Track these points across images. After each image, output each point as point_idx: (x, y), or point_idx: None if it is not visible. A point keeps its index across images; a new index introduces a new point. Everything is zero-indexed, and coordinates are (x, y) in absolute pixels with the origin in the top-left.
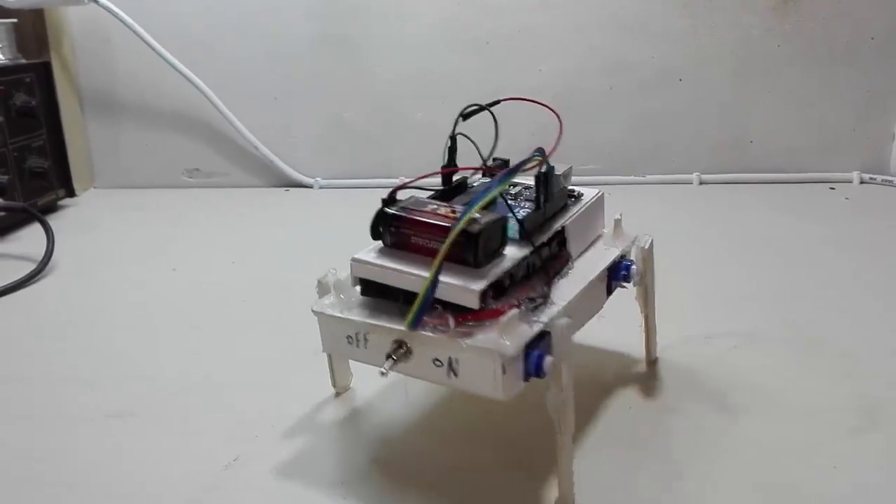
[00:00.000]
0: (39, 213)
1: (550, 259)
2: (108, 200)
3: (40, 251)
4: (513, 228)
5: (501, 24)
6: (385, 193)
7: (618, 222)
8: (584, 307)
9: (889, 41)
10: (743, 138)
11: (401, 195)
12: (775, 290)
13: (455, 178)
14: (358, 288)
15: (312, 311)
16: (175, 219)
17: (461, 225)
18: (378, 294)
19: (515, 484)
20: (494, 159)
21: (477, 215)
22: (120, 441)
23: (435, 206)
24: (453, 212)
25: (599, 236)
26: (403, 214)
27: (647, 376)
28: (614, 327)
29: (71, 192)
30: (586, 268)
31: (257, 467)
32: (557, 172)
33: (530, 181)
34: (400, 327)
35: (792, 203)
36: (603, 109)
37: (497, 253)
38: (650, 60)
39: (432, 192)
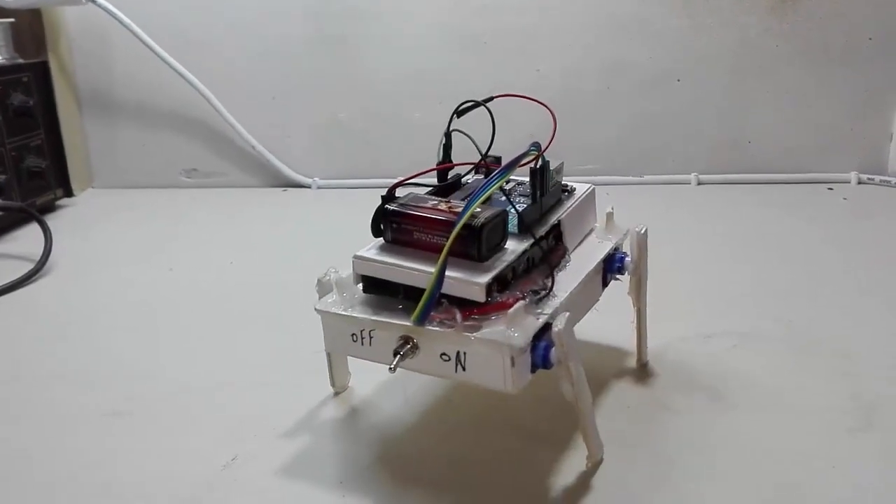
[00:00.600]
0: (37, 212)
1: (549, 252)
2: (105, 200)
3: (38, 251)
4: (511, 222)
5: (499, 25)
6: (383, 193)
7: (609, 216)
8: (584, 299)
9: (887, 41)
10: (741, 139)
11: (399, 192)
12: (773, 289)
13: (450, 175)
14: (360, 286)
15: (316, 309)
16: (173, 219)
17: (465, 219)
18: (380, 291)
19: (522, 476)
20: (487, 156)
21: (477, 210)
22: (117, 441)
23: (435, 202)
24: (453, 207)
25: (592, 230)
26: (405, 210)
27: (644, 374)
28: (611, 322)
29: (69, 192)
30: (583, 260)
31: (256, 467)
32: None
33: (522, 177)
34: (406, 323)
35: (790, 203)
36: (601, 110)
37: (499, 247)
38: (648, 61)
39: (428, 189)
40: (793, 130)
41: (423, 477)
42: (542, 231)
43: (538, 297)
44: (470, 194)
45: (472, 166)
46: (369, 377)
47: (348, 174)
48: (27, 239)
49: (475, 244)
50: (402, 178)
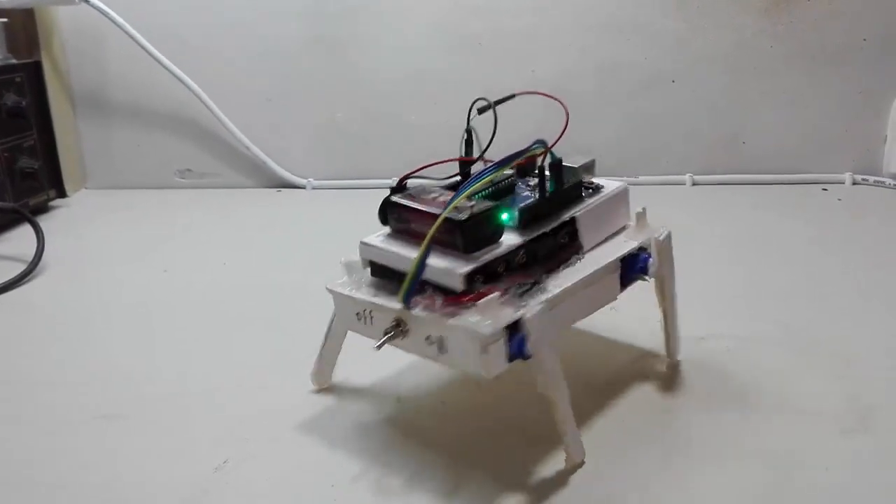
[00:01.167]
0: (30, 213)
1: (557, 249)
2: (99, 201)
3: (31, 252)
4: (513, 216)
5: (494, 26)
6: (379, 194)
7: (640, 215)
8: (588, 297)
9: (881, 43)
10: (736, 139)
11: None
12: (768, 291)
13: (460, 170)
14: (369, 269)
15: (327, 288)
16: (167, 219)
17: (447, 212)
18: (383, 275)
19: (517, 475)
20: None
21: (470, 203)
22: (109, 443)
23: (437, 195)
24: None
25: (623, 228)
26: (402, 202)
27: (639, 375)
28: (621, 322)
29: (62, 193)
30: (595, 259)
31: (248, 470)
32: (575, 165)
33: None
34: (397, 306)
35: (784, 204)
36: (595, 110)
37: (490, 240)
38: (643, 62)
39: (447, 181)
40: (787, 131)
41: (415, 480)
42: (545, 228)
43: (522, 290)
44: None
45: (472, 162)
46: (361, 379)
47: (343, 175)
48: (20, 240)
49: (459, 236)
50: (412, 170)
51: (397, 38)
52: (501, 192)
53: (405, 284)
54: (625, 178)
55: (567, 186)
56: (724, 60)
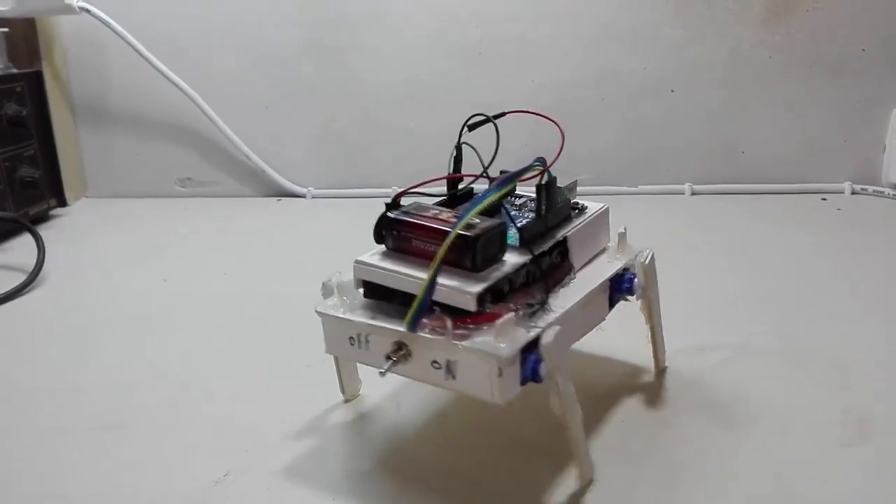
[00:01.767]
0: (30, 223)
1: (551, 269)
2: (99, 210)
3: (31, 261)
4: (514, 236)
5: (493, 34)
6: (379, 202)
7: (622, 236)
8: (584, 317)
9: (880, 52)
10: (735, 149)
11: (404, 201)
12: (767, 300)
13: (462, 186)
14: (361, 290)
15: (316, 311)
16: (167, 228)
17: (459, 228)
18: (380, 296)
19: (522, 481)
20: (487, 171)
21: (476, 220)
22: (109, 454)
23: (437, 212)
24: (455, 217)
25: (604, 249)
26: (404, 218)
27: (637, 387)
28: (616, 338)
29: (62, 202)
30: (587, 279)
31: (248, 482)
32: (561, 185)
33: (531, 193)
34: (400, 328)
35: (784, 213)
36: (595, 119)
37: (496, 259)
38: (642, 71)
39: (438, 200)
40: (787, 141)
41: (416, 492)
42: (544, 247)
43: (532, 310)
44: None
45: (473, 178)
46: (363, 388)
47: (343, 184)
48: (20, 249)
49: (469, 253)
50: (407, 187)
51: (397, 46)
52: (488, 211)
53: (415, 305)
54: (624, 187)
55: (560, 206)
56: (723, 70)
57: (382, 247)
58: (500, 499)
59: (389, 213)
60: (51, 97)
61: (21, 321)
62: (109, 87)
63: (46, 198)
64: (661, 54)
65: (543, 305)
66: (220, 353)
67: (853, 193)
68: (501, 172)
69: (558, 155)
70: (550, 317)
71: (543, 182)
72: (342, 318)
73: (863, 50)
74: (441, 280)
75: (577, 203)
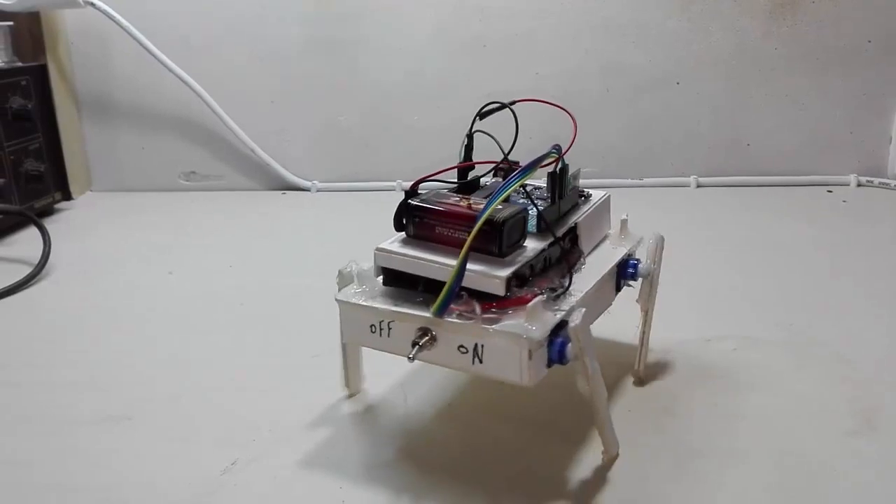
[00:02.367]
0: (36, 216)
1: (566, 253)
2: (104, 203)
3: (37, 255)
4: (530, 222)
5: (498, 28)
6: (382, 197)
7: (624, 223)
8: (598, 301)
9: (886, 44)
10: (740, 141)
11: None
12: (773, 292)
13: (482, 173)
14: (380, 278)
15: (336, 299)
16: (172, 222)
17: (488, 213)
18: (400, 284)
19: (539, 469)
20: (507, 158)
21: (499, 207)
22: (116, 446)
23: (456, 199)
24: (473, 204)
25: (606, 236)
26: (428, 205)
27: (646, 377)
28: (620, 326)
29: (67, 196)
30: (598, 263)
31: (254, 472)
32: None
33: (538, 182)
34: (426, 314)
35: (789, 206)
36: (600, 112)
37: (518, 244)
38: (647, 63)
39: (447, 188)
40: (792, 133)
41: (425, 481)
42: (559, 232)
43: (556, 294)
44: (491, 192)
45: (493, 166)
46: (368, 379)
47: (347, 177)
48: (26, 242)
49: (496, 239)
50: (425, 175)
51: (401, 41)
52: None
53: (445, 290)
54: (629, 180)
55: (571, 193)
56: (728, 62)
57: (401, 234)
58: (529, 475)
59: (412, 201)
60: (55, 91)
61: (27, 314)
62: (114, 81)
63: (51, 191)
64: (666, 47)
65: (567, 289)
66: (226, 344)
67: (859, 185)
68: (508, 159)
69: (572, 142)
70: (572, 299)
71: (558, 169)
72: (365, 306)
73: (869, 42)
74: (468, 265)
75: (583, 190)
